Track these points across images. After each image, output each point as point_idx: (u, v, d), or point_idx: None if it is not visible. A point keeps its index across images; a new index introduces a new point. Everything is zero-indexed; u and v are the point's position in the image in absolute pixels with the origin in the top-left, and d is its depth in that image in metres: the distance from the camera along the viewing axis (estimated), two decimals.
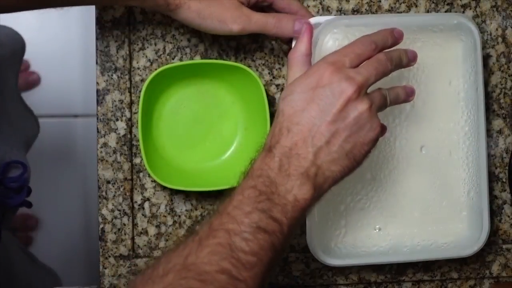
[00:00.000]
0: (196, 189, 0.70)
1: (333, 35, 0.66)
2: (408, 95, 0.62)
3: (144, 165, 0.71)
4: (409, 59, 0.61)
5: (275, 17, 0.64)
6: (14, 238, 0.88)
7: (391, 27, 0.61)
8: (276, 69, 0.72)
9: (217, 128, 0.72)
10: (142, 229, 0.72)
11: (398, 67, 0.60)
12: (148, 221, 0.72)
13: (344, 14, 0.72)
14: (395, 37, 0.60)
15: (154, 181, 0.71)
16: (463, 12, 0.74)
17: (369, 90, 0.57)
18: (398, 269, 0.73)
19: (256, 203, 0.52)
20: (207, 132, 0.71)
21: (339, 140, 0.54)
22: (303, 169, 0.53)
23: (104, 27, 0.71)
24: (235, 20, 0.62)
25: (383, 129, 0.60)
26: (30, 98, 1.40)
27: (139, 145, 0.71)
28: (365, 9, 0.73)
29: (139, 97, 0.71)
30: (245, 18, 0.62)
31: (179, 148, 0.71)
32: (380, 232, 0.71)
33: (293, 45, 0.66)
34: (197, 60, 0.71)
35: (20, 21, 1.33)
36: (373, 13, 0.73)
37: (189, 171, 0.71)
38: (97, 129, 0.71)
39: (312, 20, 0.67)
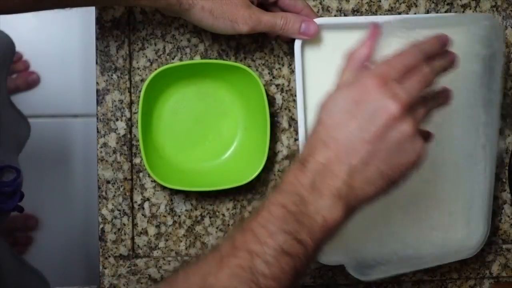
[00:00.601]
0: (196, 189, 0.70)
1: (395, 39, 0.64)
2: (449, 99, 0.59)
3: (144, 165, 0.71)
4: (451, 67, 0.57)
5: (283, 18, 0.64)
6: (4, 242, 0.87)
7: (436, 34, 0.57)
8: (276, 69, 0.72)
9: (217, 128, 0.72)
10: (142, 229, 0.72)
11: (440, 76, 0.56)
12: (148, 221, 0.72)
13: (344, 14, 0.72)
14: (443, 44, 0.57)
15: (154, 181, 0.71)
16: (463, 12, 0.74)
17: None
18: None
19: (282, 223, 0.49)
20: (207, 132, 0.71)
21: (375, 160, 0.51)
22: (335, 189, 0.50)
23: (104, 27, 0.71)
24: (246, 20, 0.62)
25: (428, 137, 0.56)
26: (30, 98, 1.40)
27: (139, 145, 0.71)
28: (365, 9, 0.73)
29: (139, 97, 0.71)
30: (255, 19, 0.62)
31: (179, 148, 0.71)
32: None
33: (295, 45, 0.66)
34: (197, 60, 0.71)
35: (20, 21, 1.33)
36: (373, 13, 0.73)
37: (189, 171, 0.71)
38: (97, 129, 0.71)
39: (317, 21, 0.67)
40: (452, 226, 0.72)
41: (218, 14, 0.61)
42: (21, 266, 0.92)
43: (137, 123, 0.69)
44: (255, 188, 0.72)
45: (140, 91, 0.70)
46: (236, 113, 0.71)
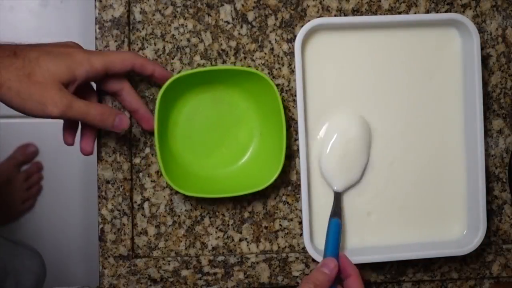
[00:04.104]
0: (213, 196, 0.69)
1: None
2: None
3: (143, 165, 0.71)
4: None
5: (97, 109, 0.63)
6: None
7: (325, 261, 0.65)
8: (276, 69, 0.72)
9: (233, 134, 0.71)
10: (142, 229, 0.72)
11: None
12: (147, 221, 0.72)
13: (344, 14, 0.72)
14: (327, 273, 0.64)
15: (153, 181, 0.71)
16: (463, 12, 0.74)
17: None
18: (398, 269, 0.73)
19: None
20: (222, 138, 0.71)
21: None
22: None
23: (103, 27, 0.71)
24: (56, 103, 0.60)
25: None
26: None
27: (138, 145, 0.71)
28: (365, 9, 0.73)
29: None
30: (66, 103, 0.60)
31: (195, 155, 0.71)
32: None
33: (295, 45, 0.65)
34: (211, 67, 0.70)
35: (19, 21, 1.33)
36: (373, 12, 0.73)
37: (205, 177, 0.70)
38: None
39: (317, 21, 0.67)
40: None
41: (26, 96, 0.59)
42: (13, 245, 0.92)
43: (137, 123, 0.69)
44: None
45: (138, 91, 0.70)
46: (251, 118, 0.71)
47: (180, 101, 0.70)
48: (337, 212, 0.68)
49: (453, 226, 0.72)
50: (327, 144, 0.70)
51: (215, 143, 0.71)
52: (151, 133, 0.71)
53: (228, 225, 0.72)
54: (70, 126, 0.67)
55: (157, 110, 0.66)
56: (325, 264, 0.64)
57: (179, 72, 0.71)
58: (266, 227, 0.72)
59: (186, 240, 0.72)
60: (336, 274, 0.64)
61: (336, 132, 0.70)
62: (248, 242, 0.72)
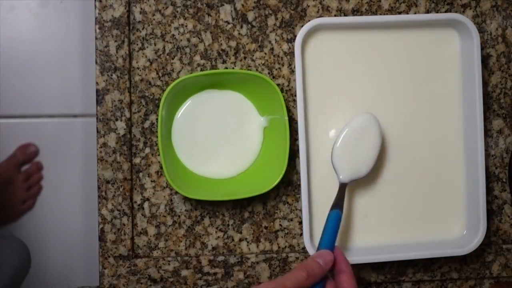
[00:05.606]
0: (217, 199, 0.69)
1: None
2: None
3: (143, 165, 0.71)
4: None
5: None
6: None
7: (320, 253, 0.61)
8: (276, 69, 0.72)
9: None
10: (142, 229, 0.72)
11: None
12: (147, 221, 0.72)
13: (344, 14, 0.72)
14: (322, 267, 0.60)
15: (153, 181, 0.71)
16: (463, 11, 0.74)
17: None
18: (398, 269, 0.73)
19: None
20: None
21: None
22: None
23: (103, 26, 0.71)
24: None
25: None
26: (30, 98, 1.40)
27: (138, 145, 0.71)
28: (365, 9, 0.73)
29: (139, 96, 0.71)
30: None
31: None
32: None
33: (295, 45, 0.65)
34: (215, 70, 0.70)
35: (19, 21, 1.33)
36: (373, 12, 0.73)
37: (208, 180, 0.70)
38: (97, 129, 0.71)
39: (317, 21, 0.67)
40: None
41: None
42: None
43: (137, 123, 0.69)
44: None
45: (138, 91, 0.70)
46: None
47: (184, 104, 0.70)
48: (339, 204, 0.65)
49: (453, 226, 0.72)
50: (339, 136, 0.68)
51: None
52: (151, 133, 0.71)
53: (228, 225, 0.72)
54: None
55: (160, 113, 0.66)
56: (321, 255, 0.61)
57: (179, 72, 0.71)
58: (266, 227, 0.72)
59: (186, 240, 0.72)
60: (330, 268, 0.62)
61: (348, 125, 0.68)
62: (248, 242, 0.72)
